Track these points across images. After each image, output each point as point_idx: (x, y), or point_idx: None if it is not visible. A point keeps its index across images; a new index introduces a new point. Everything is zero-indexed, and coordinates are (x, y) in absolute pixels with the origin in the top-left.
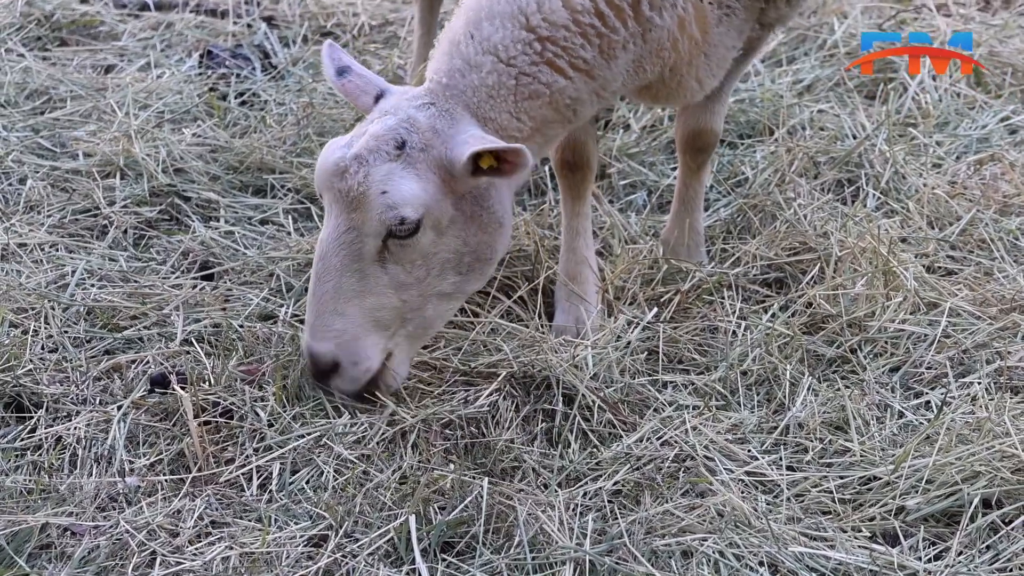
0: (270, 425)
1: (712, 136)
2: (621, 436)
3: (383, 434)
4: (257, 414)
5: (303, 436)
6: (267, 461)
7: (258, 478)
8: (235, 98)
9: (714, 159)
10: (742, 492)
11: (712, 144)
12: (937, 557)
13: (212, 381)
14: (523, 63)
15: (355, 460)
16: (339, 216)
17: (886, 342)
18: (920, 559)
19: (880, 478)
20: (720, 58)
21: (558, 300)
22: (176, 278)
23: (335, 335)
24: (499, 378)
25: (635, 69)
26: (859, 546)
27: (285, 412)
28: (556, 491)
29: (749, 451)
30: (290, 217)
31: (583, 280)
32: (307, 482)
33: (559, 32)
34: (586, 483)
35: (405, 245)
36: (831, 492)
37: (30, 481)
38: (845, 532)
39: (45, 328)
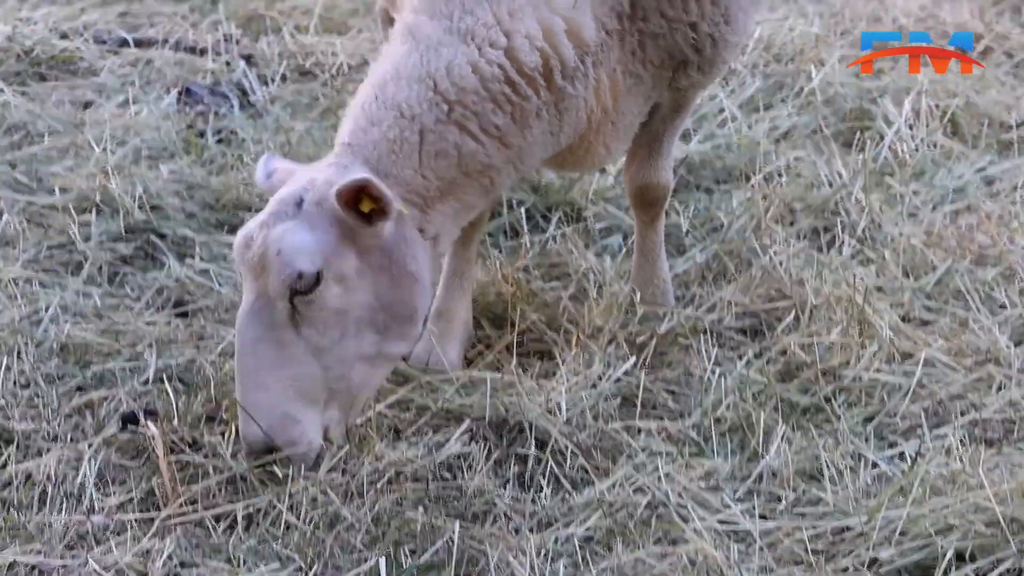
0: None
1: (661, 190)
2: (593, 482)
3: (355, 477)
4: (221, 454)
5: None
6: (240, 504)
7: (228, 519)
8: (213, 135)
9: (690, 204)
10: (714, 540)
11: (662, 197)
12: None
13: (182, 419)
14: (427, 120)
15: (332, 498)
16: (250, 288)
17: (860, 391)
18: None
19: (853, 528)
20: (627, 124)
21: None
22: (150, 315)
23: (263, 414)
24: (468, 420)
25: (552, 141)
26: None
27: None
28: (527, 536)
29: (722, 499)
30: None
31: (450, 318)
32: (275, 523)
33: (468, 96)
34: (558, 528)
35: (310, 302)
36: (804, 542)
37: None
38: None
39: (17, 364)
